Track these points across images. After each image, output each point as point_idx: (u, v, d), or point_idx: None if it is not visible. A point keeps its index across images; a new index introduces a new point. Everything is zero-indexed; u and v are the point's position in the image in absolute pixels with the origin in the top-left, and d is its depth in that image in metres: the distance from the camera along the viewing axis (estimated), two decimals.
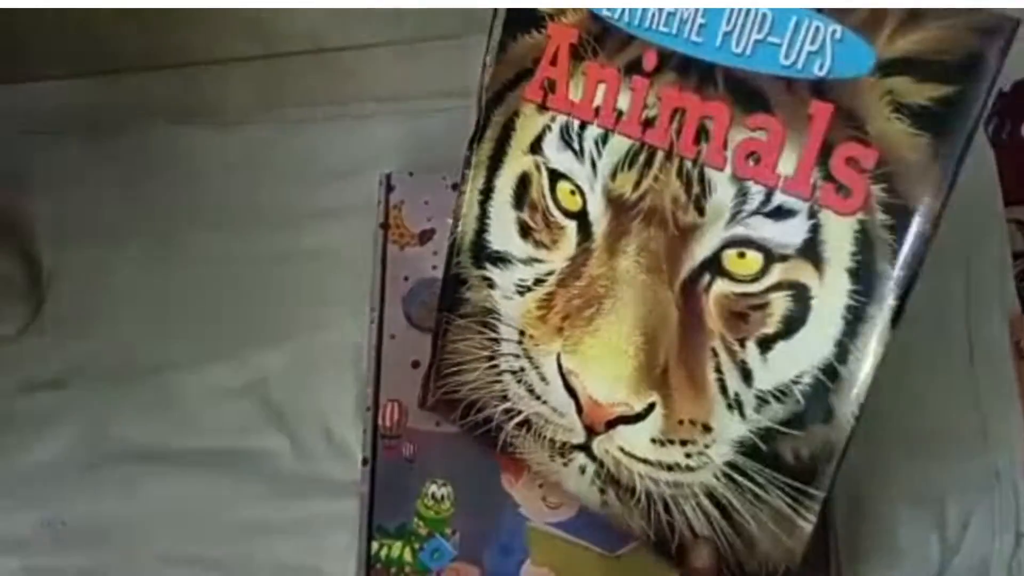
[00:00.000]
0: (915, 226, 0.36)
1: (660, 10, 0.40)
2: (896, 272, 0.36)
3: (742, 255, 0.40)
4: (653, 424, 0.42)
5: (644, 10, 0.41)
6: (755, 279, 0.40)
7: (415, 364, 0.53)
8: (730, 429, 0.41)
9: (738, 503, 0.41)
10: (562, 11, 0.43)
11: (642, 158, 0.41)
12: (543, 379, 0.45)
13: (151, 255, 0.62)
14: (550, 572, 0.48)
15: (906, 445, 0.52)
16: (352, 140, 0.63)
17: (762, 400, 0.40)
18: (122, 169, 0.64)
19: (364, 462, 0.51)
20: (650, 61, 0.41)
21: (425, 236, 0.56)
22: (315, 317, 0.59)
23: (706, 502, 0.42)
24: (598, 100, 0.42)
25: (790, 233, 0.38)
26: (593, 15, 0.42)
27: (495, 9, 0.45)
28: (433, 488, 0.50)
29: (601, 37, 0.42)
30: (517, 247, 0.46)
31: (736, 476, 0.41)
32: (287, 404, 0.58)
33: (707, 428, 0.41)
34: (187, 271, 0.61)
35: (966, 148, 0.35)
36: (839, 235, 0.37)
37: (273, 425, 0.57)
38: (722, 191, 0.40)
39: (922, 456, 0.52)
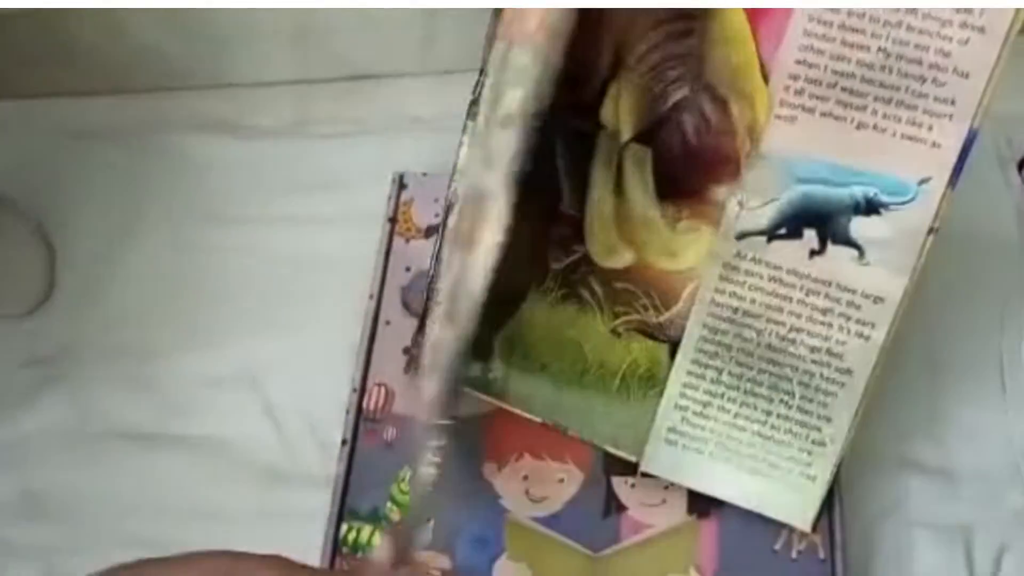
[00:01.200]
0: None
1: None
2: None
3: None
4: None
5: None
6: None
7: (407, 351, 0.50)
8: None
9: None
10: None
11: None
12: None
13: (160, 247, 0.62)
14: (527, 568, 0.44)
15: (932, 479, 0.49)
16: (372, 153, 0.64)
17: None
18: (143, 171, 0.65)
19: (343, 443, 0.48)
20: None
21: (431, 231, 0.55)
22: (315, 314, 0.58)
23: None
24: None
25: None
26: None
27: None
28: (410, 474, 0.47)
29: None
30: None
31: None
32: (277, 396, 0.56)
33: None
34: (192, 264, 0.61)
35: None
36: None
37: (260, 416, 0.56)
38: None
39: (949, 491, 0.49)
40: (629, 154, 0.41)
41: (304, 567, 0.33)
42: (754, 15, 0.38)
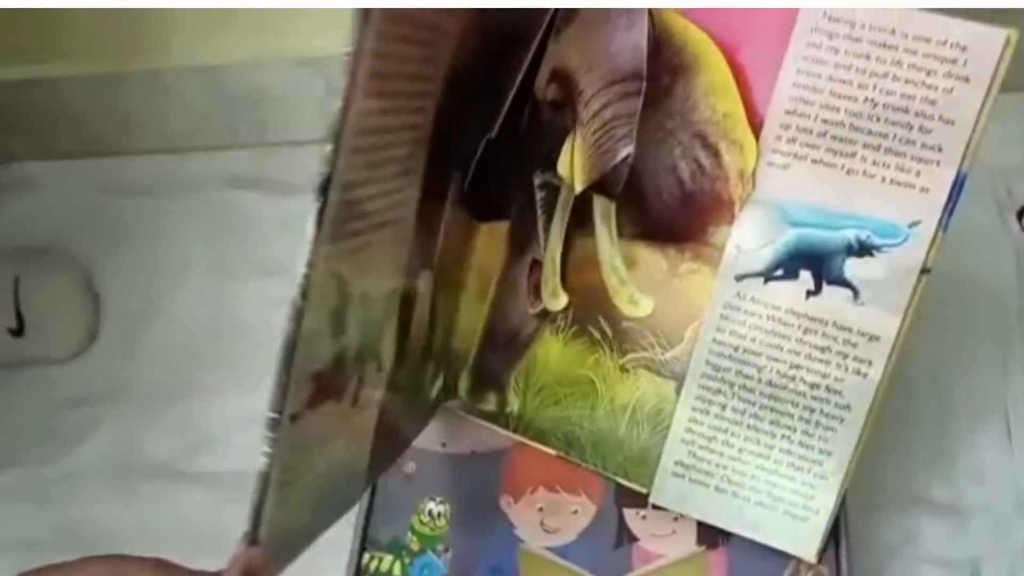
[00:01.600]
0: None
1: None
2: None
3: None
4: None
5: None
6: None
7: None
8: None
9: None
10: None
11: None
12: None
13: (198, 295, 0.66)
14: None
15: (941, 515, 0.50)
16: None
17: None
18: (183, 225, 0.68)
19: None
20: None
21: None
22: None
23: None
24: None
25: None
26: None
27: None
28: (431, 505, 0.49)
29: None
30: None
31: None
32: None
33: None
34: (227, 310, 0.64)
35: None
36: None
37: None
38: None
39: (958, 527, 0.50)
40: (598, 208, 0.44)
41: (179, 568, 0.35)
42: (739, 68, 0.40)
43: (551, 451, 0.48)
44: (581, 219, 0.45)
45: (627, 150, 0.41)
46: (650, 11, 0.41)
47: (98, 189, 0.69)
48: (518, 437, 0.48)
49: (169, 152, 0.70)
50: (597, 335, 0.46)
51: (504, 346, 0.48)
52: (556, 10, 0.42)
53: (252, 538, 0.35)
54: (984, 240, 0.55)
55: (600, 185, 0.43)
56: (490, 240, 0.47)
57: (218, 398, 0.60)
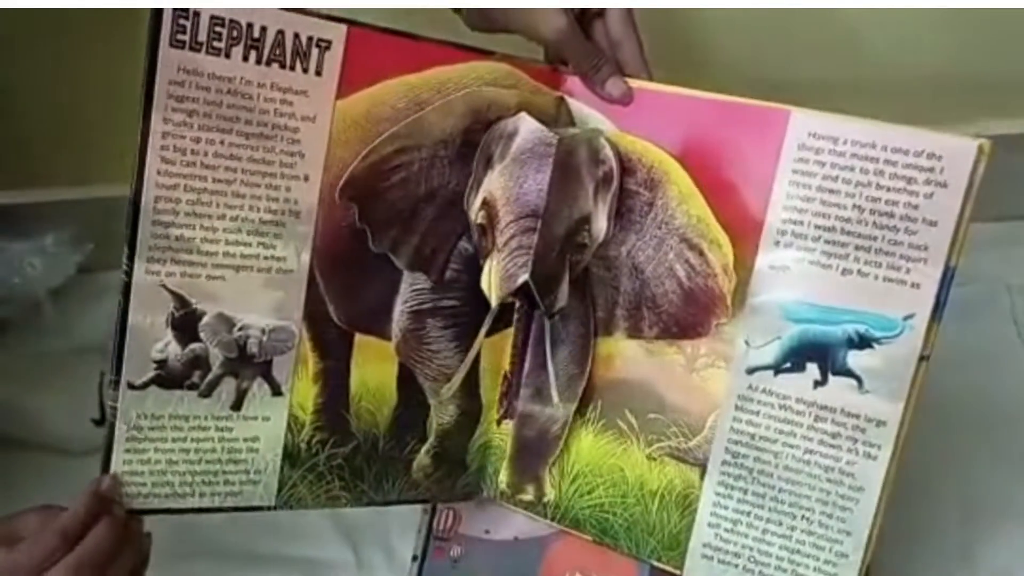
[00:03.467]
0: None
1: None
2: None
3: None
4: None
5: None
6: None
7: None
8: None
9: None
10: None
11: None
12: None
13: None
14: None
15: None
16: None
17: None
18: None
19: (414, 559, 0.54)
20: None
21: None
22: None
23: None
24: None
25: None
26: None
27: None
28: None
29: None
30: None
31: None
32: (359, 521, 0.62)
33: None
34: None
35: None
36: None
37: (342, 538, 0.62)
38: None
39: None
40: (547, 324, 0.49)
41: (57, 507, 0.43)
42: (729, 185, 0.45)
43: (587, 538, 0.51)
44: (598, 325, 0.49)
45: (524, 277, 0.46)
46: (610, 140, 0.47)
47: None
48: (556, 525, 0.52)
49: None
50: (624, 426, 0.49)
51: (537, 441, 0.52)
52: (494, 144, 0.48)
53: (103, 468, 0.45)
54: (1004, 352, 0.60)
55: (527, 300, 0.48)
56: None
57: None
